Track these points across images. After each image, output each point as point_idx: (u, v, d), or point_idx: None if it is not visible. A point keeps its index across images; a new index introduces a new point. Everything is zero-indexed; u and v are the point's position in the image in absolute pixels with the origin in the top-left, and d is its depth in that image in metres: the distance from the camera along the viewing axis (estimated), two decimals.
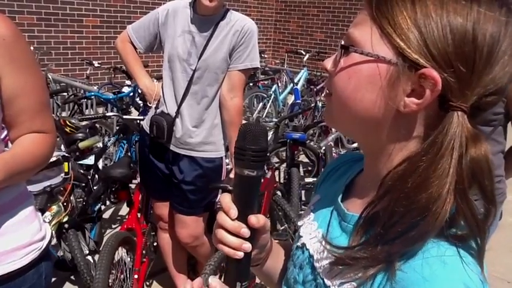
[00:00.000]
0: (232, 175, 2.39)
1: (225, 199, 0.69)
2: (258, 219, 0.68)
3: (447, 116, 0.56)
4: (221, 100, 2.32)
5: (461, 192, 0.56)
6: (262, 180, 0.71)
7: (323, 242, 0.69)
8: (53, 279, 2.90)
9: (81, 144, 2.81)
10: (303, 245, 0.76)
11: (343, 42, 0.63)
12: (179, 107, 2.30)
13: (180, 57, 2.25)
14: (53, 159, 2.56)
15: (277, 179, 3.61)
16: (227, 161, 2.62)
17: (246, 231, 0.67)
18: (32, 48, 6.40)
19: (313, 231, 0.75)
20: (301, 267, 0.75)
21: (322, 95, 5.73)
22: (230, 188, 2.36)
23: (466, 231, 0.57)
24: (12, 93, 1.12)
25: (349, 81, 0.61)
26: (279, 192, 3.36)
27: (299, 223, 0.82)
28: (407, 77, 0.57)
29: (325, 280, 0.67)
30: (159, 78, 2.66)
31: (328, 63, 0.66)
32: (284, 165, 4.28)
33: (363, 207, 0.63)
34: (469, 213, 0.57)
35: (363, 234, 0.62)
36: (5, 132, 1.25)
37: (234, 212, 0.67)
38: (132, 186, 3.08)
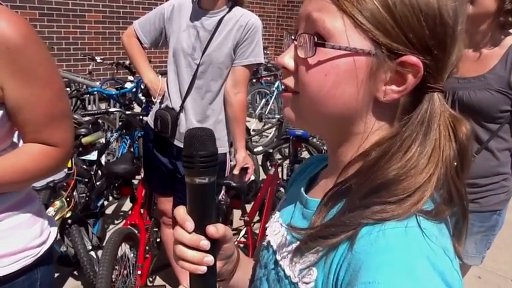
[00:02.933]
0: (236, 171, 2.38)
1: (179, 212, 0.65)
2: (217, 229, 0.64)
3: (426, 98, 0.56)
4: (225, 96, 2.31)
5: (447, 172, 0.55)
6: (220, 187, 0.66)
7: (285, 230, 0.68)
8: (56, 275, 2.91)
9: (84, 140, 2.81)
10: (268, 243, 0.74)
11: (316, 39, 0.57)
12: (183, 101, 2.29)
13: (185, 51, 2.24)
14: None
15: (280, 176, 3.60)
16: (231, 157, 2.61)
17: (205, 243, 0.64)
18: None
19: (276, 227, 0.73)
20: (266, 265, 0.72)
21: None
22: (234, 184, 2.36)
23: (443, 208, 0.56)
24: (16, 105, 1.06)
25: (326, 78, 0.57)
26: (282, 189, 3.36)
27: (266, 225, 0.78)
28: (387, 66, 0.56)
29: (286, 270, 0.64)
30: (164, 73, 2.64)
31: (287, 59, 0.62)
32: (287, 161, 4.27)
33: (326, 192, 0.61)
34: (457, 193, 0.57)
35: (326, 213, 0.59)
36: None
37: (190, 224, 0.63)
38: (135, 182, 3.08)
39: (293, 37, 0.62)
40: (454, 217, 0.58)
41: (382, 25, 0.54)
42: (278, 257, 0.68)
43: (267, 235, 0.75)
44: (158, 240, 2.93)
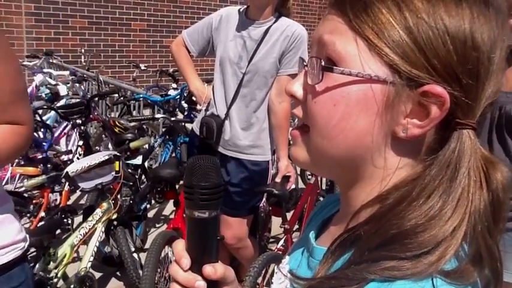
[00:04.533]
0: (278, 179, 2.41)
1: (177, 247, 0.60)
2: (214, 270, 0.58)
3: (454, 135, 0.47)
4: (269, 104, 2.35)
5: (485, 226, 0.47)
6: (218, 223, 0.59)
7: (289, 280, 0.60)
8: (100, 275, 3.00)
9: (132, 144, 2.90)
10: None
11: (323, 63, 0.51)
12: (229, 109, 2.34)
13: (231, 60, 2.29)
14: (105, 157, 2.66)
15: (319, 185, 3.59)
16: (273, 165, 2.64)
17: (201, 285, 0.58)
18: (83, 50, 6.66)
19: (282, 275, 0.66)
20: None
21: None
22: (276, 192, 2.39)
23: (469, 268, 0.47)
24: None
25: (335, 109, 0.50)
26: (321, 198, 3.35)
27: (276, 268, 0.71)
28: (407, 96, 0.48)
29: None
30: (209, 81, 2.71)
31: (296, 87, 0.55)
32: None
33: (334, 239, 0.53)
34: (487, 252, 0.47)
35: (332, 263, 0.52)
36: None
37: (186, 261, 0.58)
38: (177, 186, 3.15)
39: (304, 63, 0.55)
40: (483, 280, 0.49)
41: (401, 48, 0.47)
42: None
43: (272, 282, 0.68)
44: None
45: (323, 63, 0.50)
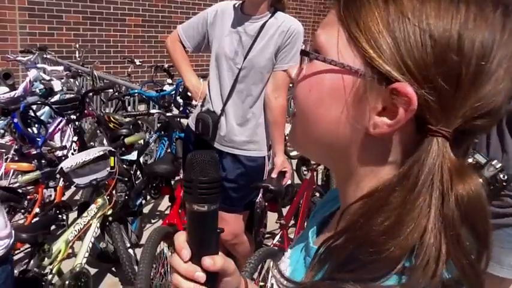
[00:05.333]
0: (274, 175, 2.41)
1: (179, 238, 0.61)
2: (213, 262, 0.59)
3: (424, 142, 0.46)
4: (265, 100, 2.35)
5: (453, 239, 0.44)
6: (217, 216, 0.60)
7: (278, 277, 0.60)
8: (95, 271, 3.00)
9: (127, 140, 2.89)
10: (272, 285, 0.67)
11: (304, 47, 0.54)
12: (224, 105, 2.34)
13: (227, 56, 2.28)
14: (100, 153, 2.65)
15: (315, 181, 3.60)
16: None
17: (201, 276, 0.59)
18: (77, 45, 6.62)
19: (283, 269, 0.66)
20: None
21: None
22: (272, 187, 2.38)
23: (455, 282, 0.45)
24: None
25: (310, 94, 0.52)
26: (317, 194, 3.36)
27: (278, 262, 0.72)
28: (377, 92, 0.47)
29: None
30: (205, 76, 2.70)
31: (293, 70, 0.56)
32: (321, 166, 4.26)
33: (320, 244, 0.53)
34: (465, 262, 0.45)
35: (318, 270, 0.51)
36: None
37: (186, 253, 0.59)
38: (172, 182, 3.14)
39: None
40: None
41: (377, 43, 0.46)
42: None
43: (273, 275, 0.67)
44: None
45: (303, 47, 0.52)
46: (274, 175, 2.40)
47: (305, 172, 3.78)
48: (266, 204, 2.89)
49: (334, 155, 0.54)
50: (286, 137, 5.38)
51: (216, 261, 0.60)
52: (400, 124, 0.46)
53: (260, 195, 2.67)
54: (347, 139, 0.51)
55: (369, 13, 0.47)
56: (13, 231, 1.23)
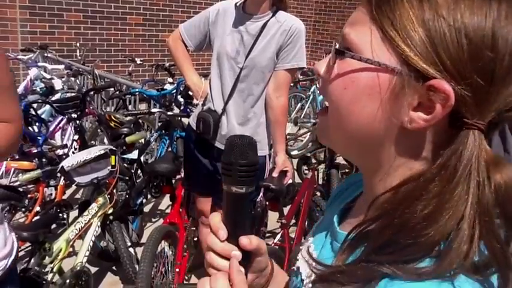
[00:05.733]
0: (275, 174, 2.41)
1: (214, 219, 0.63)
2: (249, 241, 0.62)
3: (461, 135, 0.48)
4: (267, 99, 2.34)
5: (487, 226, 0.47)
6: (256, 198, 0.63)
7: (309, 260, 0.63)
8: (96, 269, 3.00)
9: (128, 139, 2.89)
10: (297, 268, 0.70)
11: (337, 46, 0.54)
12: (226, 104, 2.33)
13: (229, 55, 2.28)
14: (101, 152, 2.64)
15: (316, 180, 3.60)
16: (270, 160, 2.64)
17: (237, 254, 0.61)
18: (78, 44, 6.62)
19: (306, 254, 0.69)
20: None
21: None
22: (273, 186, 2.38)
23: (485, 264, 0.47)
24: None
25: (345, 92, 0.53)
26: (318, 193, 3.36)
27: (300, 246, 0.74)
28: (414, 89, 0.48)
29: None
30: (206, 75, 2.70)
31: (321, 67, 0.57)
32: (322, 166, 4.26)
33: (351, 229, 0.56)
34: (496, 245, 0.47)
35: (349, 254, 0.54)
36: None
37: (222, 233, 0.62)
38: (173, 181, 3.14)
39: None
40: (495, 275, 0.49)
41: (413, 41, 0.48)
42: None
43: (297, 259, 0.70)
44: (196, 239, 2.97)
45: (337, 46, 0.53)
46: (275, 174, 2.40)
47: (306, 171, 3.78)
48: (267, 203, 2.88)
49: (366, 148, 0.55)
50: (287, 136, 5.40)
51: (252, 240, 0.62)
52: (437, 119, 0.48)
53: (261, 194, 2.67)
54: (381, 134, 0.52)
55: (404, 13, 0.48)
56: (15, 248, 1.13)
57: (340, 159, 5.11)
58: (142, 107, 5.03)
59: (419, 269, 0.47)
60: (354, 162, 0.64)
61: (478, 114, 0.47)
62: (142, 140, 3.66)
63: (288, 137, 5.59)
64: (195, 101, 2.56)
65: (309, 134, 4.88)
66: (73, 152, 3.54)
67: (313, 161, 4.97)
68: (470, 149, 0.47)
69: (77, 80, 5.19)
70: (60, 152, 3.35)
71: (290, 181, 2.50)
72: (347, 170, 5.06)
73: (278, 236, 2.79)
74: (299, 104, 6.58)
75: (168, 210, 3.77)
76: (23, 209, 2.99)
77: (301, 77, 7.07)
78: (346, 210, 0.68)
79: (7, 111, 1.08)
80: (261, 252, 0.66)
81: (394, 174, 0.54)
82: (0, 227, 1.10)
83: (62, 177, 2.99)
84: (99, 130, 4.38)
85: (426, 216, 0.47)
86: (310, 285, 0.61)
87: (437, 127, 0.50)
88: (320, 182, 3.99)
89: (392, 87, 0.50)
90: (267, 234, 3.39)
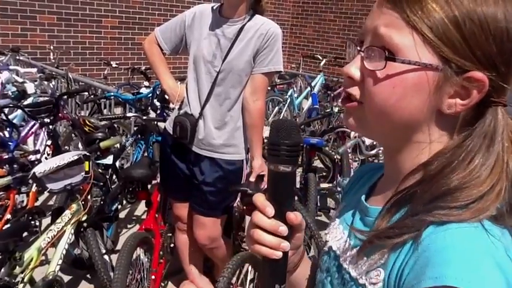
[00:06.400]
0: (252, 178, 2.39)
1: (260, 198, 0.67)
2: (296, 216, 0.67)
3: (490, 111, 0.58)
4: (244, 103, 2.33)
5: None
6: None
7: (347, 235, 0.71)
8: (70, 278, 2.93)
9: (103, 144, 2.83)
10: (329, 248, 0.76)
11: (386, 53, 0.60)
12: (202, 108, 2.31)
13: (205, 58, 2.26)
14: (74, 157, 2.58)
15: None
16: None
17: (284, 229, 0.66)
18: (52, 47, 6.49)
19: (338, 233, 0.75)
20: (328, 270, 0.74)
21: (339, 100, 5.70)
22: (250, 191, 2.36)
23: (506, 216, 0.57)
24: None
25: (394, 91, 0.60)
26: (296, 197, 3.35)
27: (325, 231, 0.79)
28: (454, 81, 0.58)
29: (352, 273, 0.65)
30: (183, 79, 2.67)
31: (353, 70, 0.64)
32: (299, 170, 4.26)
33: (385, 201, 0.64)
34: None
35: (389, 218, 0.61)
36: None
37: (270, 210, 0.66)
38: (149, 186, 3.09)
39: (359, 48, 0.64)
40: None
41: (450, 42, 0.57)
42: (342, 261, 0.70)
43: (327, 241, 0.77)
44: (172, 245, 2.93)
45: (387, 54, 0.59)
46: (252, 179, 2.38)
47: None
48: (244, 207, 2.86)
49: (405, 134, 0.63)
50: (265, 140, 5.39)
51: (297, 215, 0.67)
52: (473, 103, 0.58)
53: (238, 199, 2.65)
54: (422, 121, 0.61)
55: (438, 18, 0.56)
56: None
57: (317, 163, 5.14)
58: (118, 111, 4.95)
59: (461, 213, 0.55)
60: (384, 144, 0.71)
61: (502, 93, 0.59)
62: (118, 145, 3.59)
63: (265, 141, 5.61)
64: (171, 105, 2.53)
65: None
66: (46, 158, 3.44)
67: None
68: (500, 120, 0.58)
69: (50, 84, 5.07)
70: (32, 157, 3.26)
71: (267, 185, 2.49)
72: (324, 174, 5.09)
73: None
74: (276, 108, 6.58)
75: (143, 216, 3.71)
76: None
77: (278, 80, 7.09)
78: (369, 191, 0.75)
79: None
80: (302, 228, 0.71)
81: (427, 151, 0.62)
82: None
83: (34, 184, 2.91)
84: (73, 135, 4.29)
85: (473, 175, 0.57)
86: (349, 254, 0.68)
87: (469, 108, 0.59)
88: (298, 185, 3.99)
89: (436, 82, 0.58)
90: (245, 239, 3.37)
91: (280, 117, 6.28)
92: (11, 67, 5.00)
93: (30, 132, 3.78)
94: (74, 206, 2.59)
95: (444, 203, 0.56)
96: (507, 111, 0.60)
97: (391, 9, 0.60)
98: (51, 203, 3.68)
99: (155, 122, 3.92)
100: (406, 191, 0.61)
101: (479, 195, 0.56)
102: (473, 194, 0.56)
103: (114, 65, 6.28)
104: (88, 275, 3.02)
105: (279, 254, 0.66)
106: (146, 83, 5.34)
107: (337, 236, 0.75)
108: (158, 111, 4.15)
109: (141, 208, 3.89)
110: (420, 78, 0.58)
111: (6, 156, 3.13)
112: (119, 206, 3.46)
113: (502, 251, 0.53)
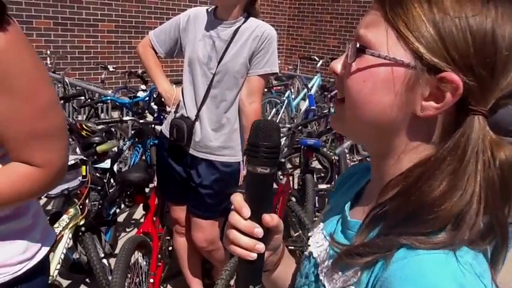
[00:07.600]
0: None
1: (237, 198, 0.67)
2: (272, 218, 0.67)
3: (467, 121, 0.55)
4: (240, 105, 2.33)
5: (492, 196, 0.54)
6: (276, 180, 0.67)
7: (328, 244, 0.69)
8: (68, 282, 2.92)
9: (99, 148, 2.83)
10: (310, 253, 0.75)
11: (358, 45, 0.60)
12: (199, 110, 2.31)
13: (201, 61, 2.26)
14: (71, 162, 2.58)
15: (291, 185, 3.59)
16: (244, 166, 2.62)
17: (259, 231, 0.65)
18: (48, 52, 6.48)
19: (320, 239, 0.74)
20: (307, 276, 0.73)
21: None
22: None
23: (483, 235, 0.55)
24: None
25: (365, 84, 0.59)
26: (293, 198, 3.35)
27: (309, 233, 0.79)
28: (426, 81, 0.55)
29: (326, 285, 0.65)
30: (177, 82, 2.67)
31: (337, 65, 0.64)
32: (297, 171, 4.27)
33: (367, 213, 0.62)
34: (499, 213, 0.55)
35: (367, 234, 0.60)
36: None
37: (246, 211, 0.65)
38: (148, 190, 3.09)
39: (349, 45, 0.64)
40: (492, 244, 0.57)
41: (425, 39, 0.55)
42: (319, 271, 0.69)
43: (309, 245, 0.76)
44: (170, 248, 2.93)
45: (358, 45, 0.59)
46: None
47: (281, 177, 3.76)
48: None
49: (381, 135, 0.61)
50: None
51: (274, 217, 0.67)
52: (447, 107, 0.55)
53: None
54: (396, 122, 0.59)
55: (416, 15, 0.55)
56: (39, 254, 1.15)
57: (315, 164, 5.14)
58: (115, 115, 4.95)
59: (434, 239, 0.53)
60: (367, 148, 0.69)
61: (482, 101, 0.54)
62: (115, 149, 3.59)
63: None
64: (167, 108, 2.54)
65: (284, 138, 4.89)
66: None
67: (289, 166, 4.99)
68: (476, 131, 0.54)
69: None
70: None
71: None
72: (322, 175, 5.09)
73: None
74: (274, 109, 6.58)
75: (142, 220, 3.71)
76: None
77: (275, 82, 7.10)
78: (355, 198, 0.74)
79: (40, 155, 1.05)
80: (279, 230, 0.71)
81: (406, 158, 0.60)
82: (26, 236, 1.13)
83: None
84: (70, 139, 4.28)
85: (442, 192, 0.53)
86: (326, 264, 0.67)
87: (445, 115, 0.56)
88: (295, 187, 3.99)
89: (407, 80, 0.56)
90: None
91: (278, 119, 6.29)
92: None
93: None
94: (72, 211, 2.60)
95: (416, 228, 0.54)
96: (497, 123, 0.56)
97: (375, 9, 0.60)
98: (48, 207, 3.68)
99: (152, 126, 3.92)
100: (381, 207, 0.59)
101: (452, 216, 0.54)
102: (446, 215, 0.53)
103: (111, 69, 6.27)
104: (87, 279, 3.02)
105: (253, 256, 0.66)
106: (143, 87, 5.33)
107: (319, 242, 0.74)
108: (155, 115, 4.15)
109: (139, 212, 3.89)
110: (390, 74, 0.57)
111: None
112: (117, 210, 3.45)
113: (472, 278, 0.51)
